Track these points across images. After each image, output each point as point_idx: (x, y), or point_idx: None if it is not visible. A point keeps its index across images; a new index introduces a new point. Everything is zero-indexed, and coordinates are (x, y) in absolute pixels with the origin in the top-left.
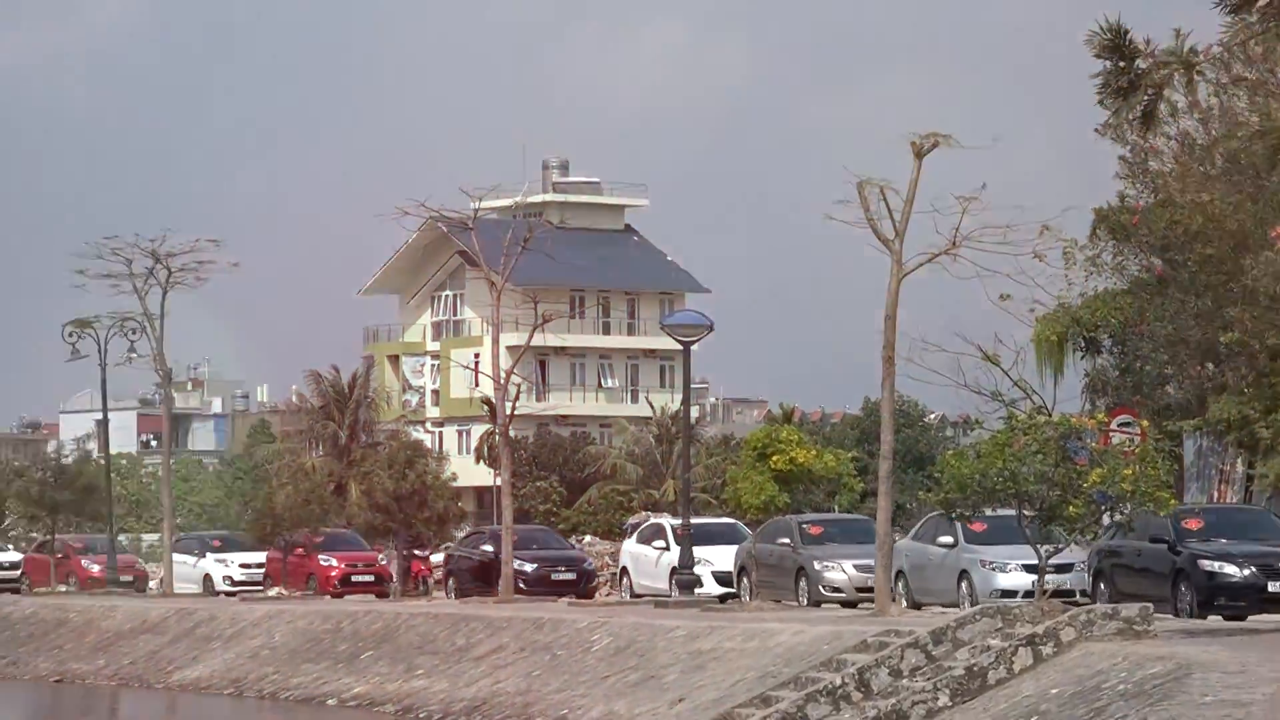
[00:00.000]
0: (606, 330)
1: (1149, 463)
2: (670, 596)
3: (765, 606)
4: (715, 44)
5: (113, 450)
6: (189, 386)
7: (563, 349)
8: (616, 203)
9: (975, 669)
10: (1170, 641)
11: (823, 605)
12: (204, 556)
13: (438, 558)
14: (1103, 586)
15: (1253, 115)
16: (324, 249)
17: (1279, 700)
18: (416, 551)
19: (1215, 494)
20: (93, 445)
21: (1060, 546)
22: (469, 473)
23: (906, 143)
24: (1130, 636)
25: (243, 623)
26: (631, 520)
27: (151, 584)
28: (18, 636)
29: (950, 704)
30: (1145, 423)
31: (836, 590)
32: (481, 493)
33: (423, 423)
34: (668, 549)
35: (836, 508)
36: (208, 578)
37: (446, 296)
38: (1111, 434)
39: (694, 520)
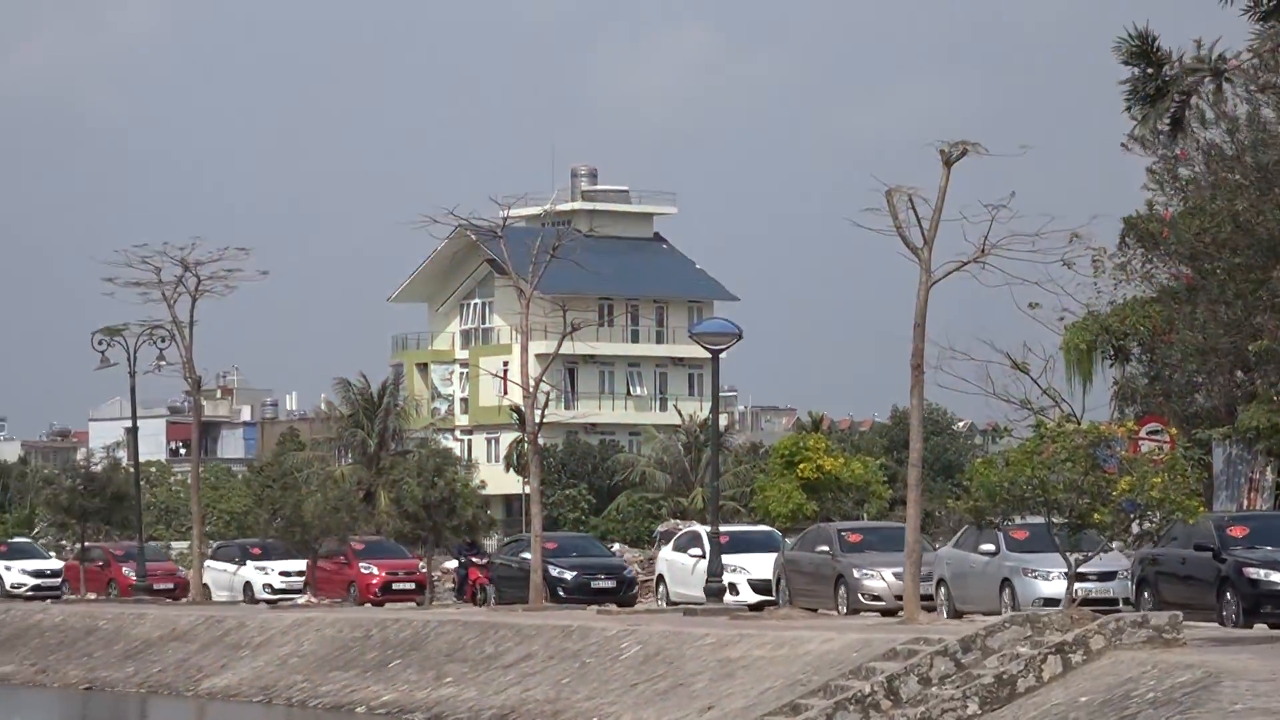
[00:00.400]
0: (635, 338)
1: (1178, 471)
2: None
3: (794, 614)
4: (744, 51)
5: (142, 458)
6: (218, 394)
7: (591, 357)
8: (645, 211)
9: (1004, 677)
10: (1200, 650)
11: (862, 613)
12: (244, 564)
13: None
14: (1146, 594)
15: None
16: (353, 257)
17: None
18: (474, 559)
19: (1245, 502)
20: (122, 453)
21: (1089, 554)
22: (498, 480)
23: (935, 150)
24: (1160, 644)
25: (272, 630)
26: (660, 528)
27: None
28: (47, 644)
29: (979, 712)
30: (1174, 431)
31: (876, 599)
32: (510, 500)
33: (452, 430)
34: (704, 557)
35: (865, 515)
36: (248, 585)
37: (475, 304)
38: (1140, 442)
39: (731, 528)
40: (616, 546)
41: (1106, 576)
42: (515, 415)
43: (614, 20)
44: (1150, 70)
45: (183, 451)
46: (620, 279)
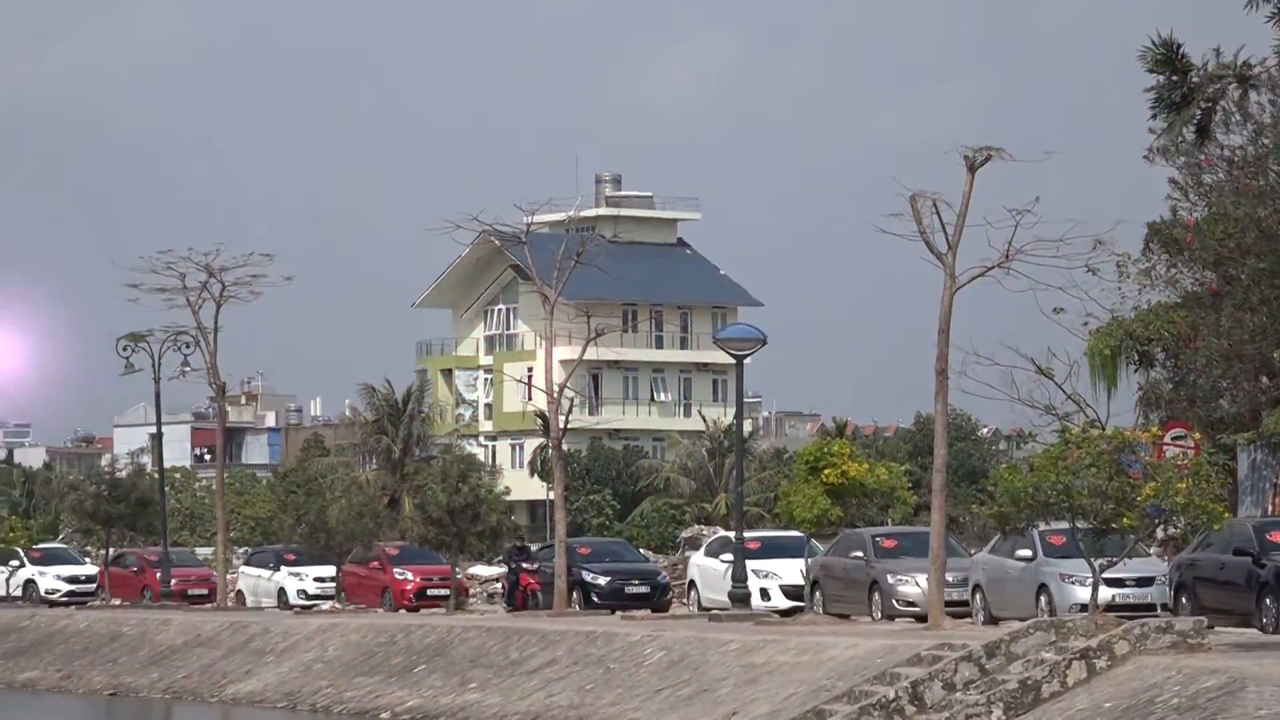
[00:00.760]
0: (659, 344)
1: (1203, 476)
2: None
3: (818, 620)
4: (767, 56)
5: (166, 464)
6: (242, 400)
7: (616, 363)
8: (669, 216)
9: (1028, 682)
10: (1226, 655)
11: (896, 619)
12: (278, 570)
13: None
14: (1184, 600)
15: None
16: (377, 263)
17: None
18: (525, 565)
19: (1269, 507)
20: (147, 459)
21: (1114, 560)
22: (522, 486)
23: (959, 156)
24: (1184, 650)
25: (296, 636)
26: (684, 534)
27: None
28: (72, 650)
29: (1004, 717)
30: (1199, 436)
31: (910, 604)
32: (535, 506)
33: (476, 436)
34: None
35: (890, 521)
36: (282, 591)
37: (499, 310)
38: (1165, 447)
39: (762, 533)
40: (640, 553)
41: (1144, 582)
42: (539, 421)
43: (638, 27)
44: (1175, 77)
45: (207, 457)
46: (644, 284)
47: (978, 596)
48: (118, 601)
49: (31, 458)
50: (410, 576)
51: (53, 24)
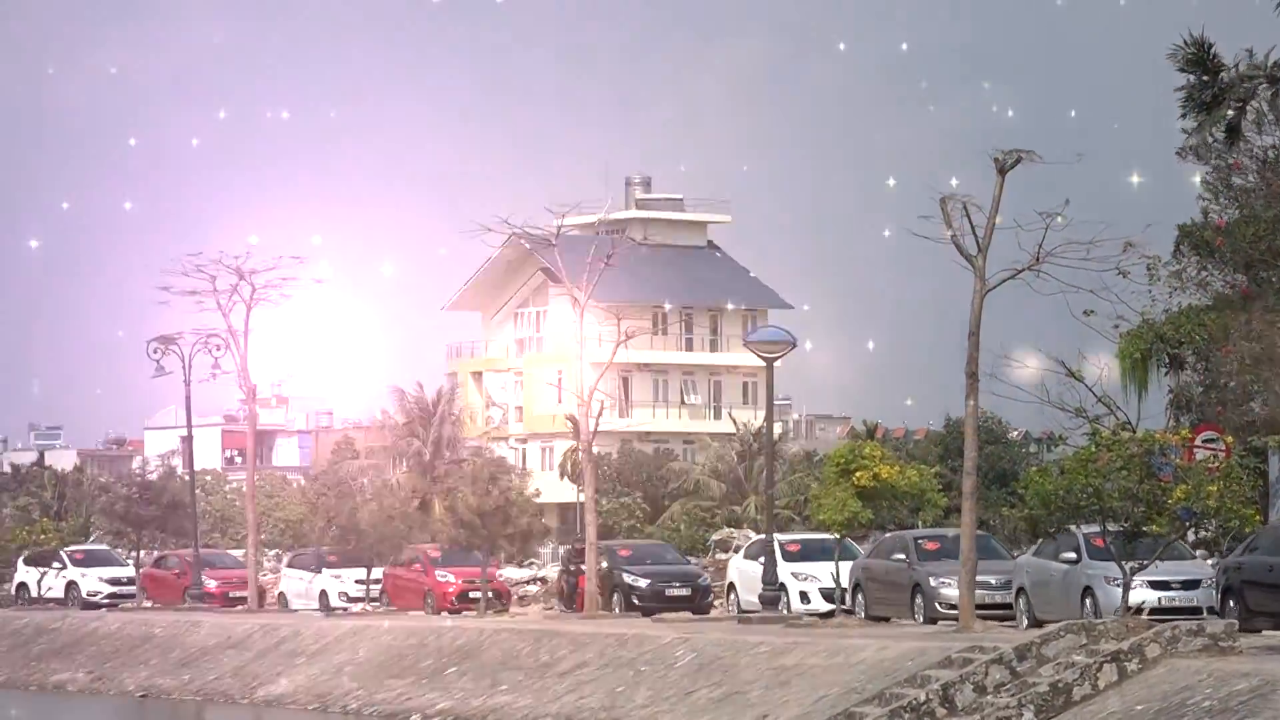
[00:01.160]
0: (689, 346)
1: (1233, 479)
2: (784, 612)
3: (848, 622)
4: (797, 58)
5: (197, 466)
6: (273, 402)
7: (646, 365)
8: (699, 219)
9: (1060, 685)
10: (1257, 658)
11: (939, 622)
12: (319, 572)
13: (519, 573)
14: (1232, 603)
15: None
16: (408, 265)
17: None
18: (583, 567)
19: None
20: (177, 461)
21: (1145, 562)
22: (552, 489)
23: (989, 158)
24: (1216, 653)
25: (327, 638)
26: (714, 537)
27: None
28: (103, 652)
29: None
30: (1230, 439)
31: (952, 607)
32: (565, 509)
33: (506, 439)
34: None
35: (921, 523)
36: (323, 594)
37: (529, 313)
38: (1196, 450)
39: (801, 536)
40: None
41: (1190, 585)
42: (570, 424)
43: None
44: (1206, 77)
45: (238, 460)
46: (674, 287)
47: (1022, 599)
48: (149, 604)
49: (63, 460)
50: (452, 579)
51: (92, 31)
